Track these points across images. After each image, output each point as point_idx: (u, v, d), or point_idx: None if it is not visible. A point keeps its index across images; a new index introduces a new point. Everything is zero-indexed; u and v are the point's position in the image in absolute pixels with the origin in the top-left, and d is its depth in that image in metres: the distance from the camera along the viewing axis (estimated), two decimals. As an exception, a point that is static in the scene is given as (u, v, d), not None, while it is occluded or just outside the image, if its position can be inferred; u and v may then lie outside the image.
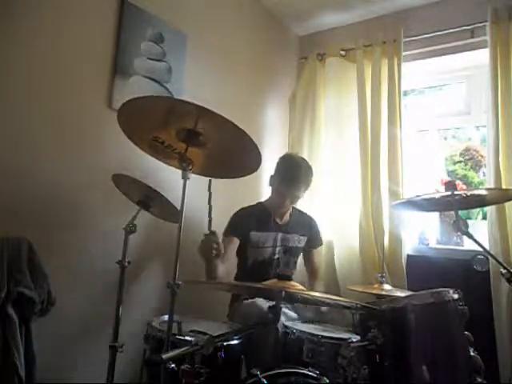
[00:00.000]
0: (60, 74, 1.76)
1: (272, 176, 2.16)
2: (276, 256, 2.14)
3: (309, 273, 2.32)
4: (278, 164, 2.16)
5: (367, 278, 2.39)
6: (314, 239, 2.30)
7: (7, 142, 1.61)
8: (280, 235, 2.15)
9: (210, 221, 1.56)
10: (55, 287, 1.60)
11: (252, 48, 2.74)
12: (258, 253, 2.10)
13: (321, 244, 2.35)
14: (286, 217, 2.21)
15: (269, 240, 2.12)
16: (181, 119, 1.32)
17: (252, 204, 2.21)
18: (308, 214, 2.35)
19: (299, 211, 2.30)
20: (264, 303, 1.73)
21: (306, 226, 2.28)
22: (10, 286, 1.45)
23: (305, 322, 1.84)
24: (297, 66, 3.11)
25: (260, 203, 2.24)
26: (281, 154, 2.24)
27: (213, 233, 1.63)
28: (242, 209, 2.13)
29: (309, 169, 2.13)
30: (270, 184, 2.17)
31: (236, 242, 2.03)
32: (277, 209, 2.16)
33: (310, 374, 1.33)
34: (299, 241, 2.22)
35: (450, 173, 2.82)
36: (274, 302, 1.36)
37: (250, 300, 1.93)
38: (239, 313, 1.94)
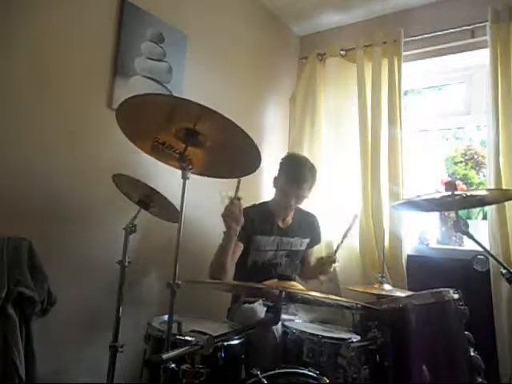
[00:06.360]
0: (60, 73, 1.76)
1: (276, 177, 2.13)
2: (277, 260, 2.10)
3: (304, 271, 2.25)
4: (281, 164, 2.13)
5: (367, 278, 2.39)
6: (314, 239, 2.27)
7: (7, 142, 1.61)
8: (283, 239, 2.11)
9: None
10: (55, 287, 1.60)
11: (252, 48, 2.74)
12: (259, 255, 2.06)
13: (319, 243, 2.32)
14: (289, 219, 2.17)
15: (271, 244, 2.08)
16: (180, 118, 1.32)
17: (256, 204, 2.16)
18: (310, 212, 2.31)
19: (301, 211, 2.26)
20: (262, 309, 1.71)
21: (309, 227, 2.24)
22: (10, 285, 1.46)
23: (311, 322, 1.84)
24: (297, 65, 3.11)
25: (264, 203, 2.20)
26: (281, 154, 2.23)
27: (238, 198, 1.69)
28: (245, 210, 1.96)
29: (313, 168, 2.11)
30: (274, 185, 2.14)
31: (241, 247, 1.99)
32: (281, 210, 2.12)
33: (310, 374, 1.33)
34: (301, 244, 2.19)
35: (450, 173, 2.82)
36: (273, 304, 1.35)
37: (248, 305, 1.88)
38: (238, 317, 1.91)
